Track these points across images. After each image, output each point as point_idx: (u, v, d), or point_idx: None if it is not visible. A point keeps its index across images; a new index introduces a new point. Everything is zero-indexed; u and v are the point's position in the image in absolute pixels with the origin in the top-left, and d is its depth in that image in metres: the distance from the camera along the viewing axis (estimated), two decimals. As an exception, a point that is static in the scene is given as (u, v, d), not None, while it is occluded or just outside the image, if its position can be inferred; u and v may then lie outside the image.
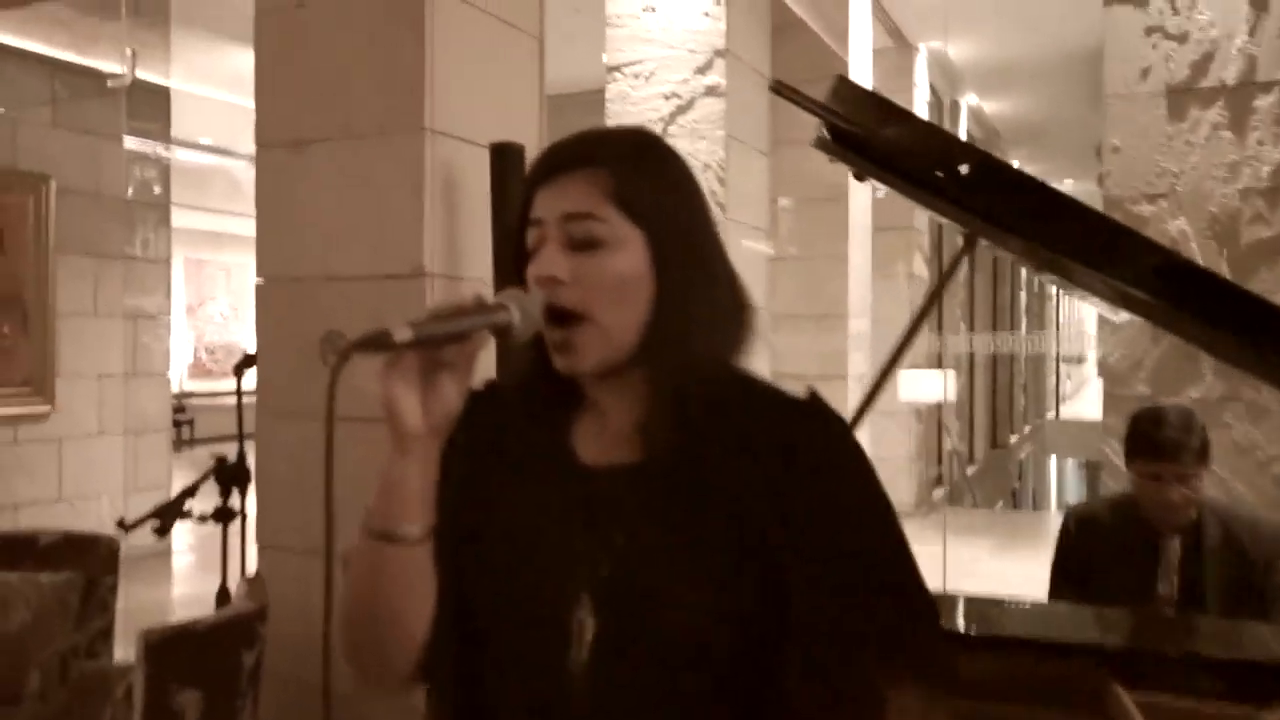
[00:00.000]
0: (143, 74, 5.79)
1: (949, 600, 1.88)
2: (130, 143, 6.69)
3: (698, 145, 4.47)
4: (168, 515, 2.55)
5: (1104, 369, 3.85)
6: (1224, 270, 3.52)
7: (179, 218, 7.68)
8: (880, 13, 6.75)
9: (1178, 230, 3.64)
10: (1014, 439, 13.06)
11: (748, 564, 0.89)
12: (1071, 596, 2.20)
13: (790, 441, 0.93)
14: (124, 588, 2.89)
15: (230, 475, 2.73)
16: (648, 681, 0.90)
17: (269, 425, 2.75)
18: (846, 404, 4.45)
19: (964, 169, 1.25)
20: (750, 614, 0.89)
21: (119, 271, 6.55)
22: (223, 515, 2.75)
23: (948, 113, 9.42)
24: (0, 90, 5.93)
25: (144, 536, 2.86)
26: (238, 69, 7.25)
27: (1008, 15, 6.32)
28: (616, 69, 4.63)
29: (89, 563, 2.77)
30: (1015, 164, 10.50)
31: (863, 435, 1.25)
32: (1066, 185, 11.54)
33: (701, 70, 4.44)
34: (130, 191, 6.76)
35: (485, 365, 1.02)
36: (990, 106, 10.19)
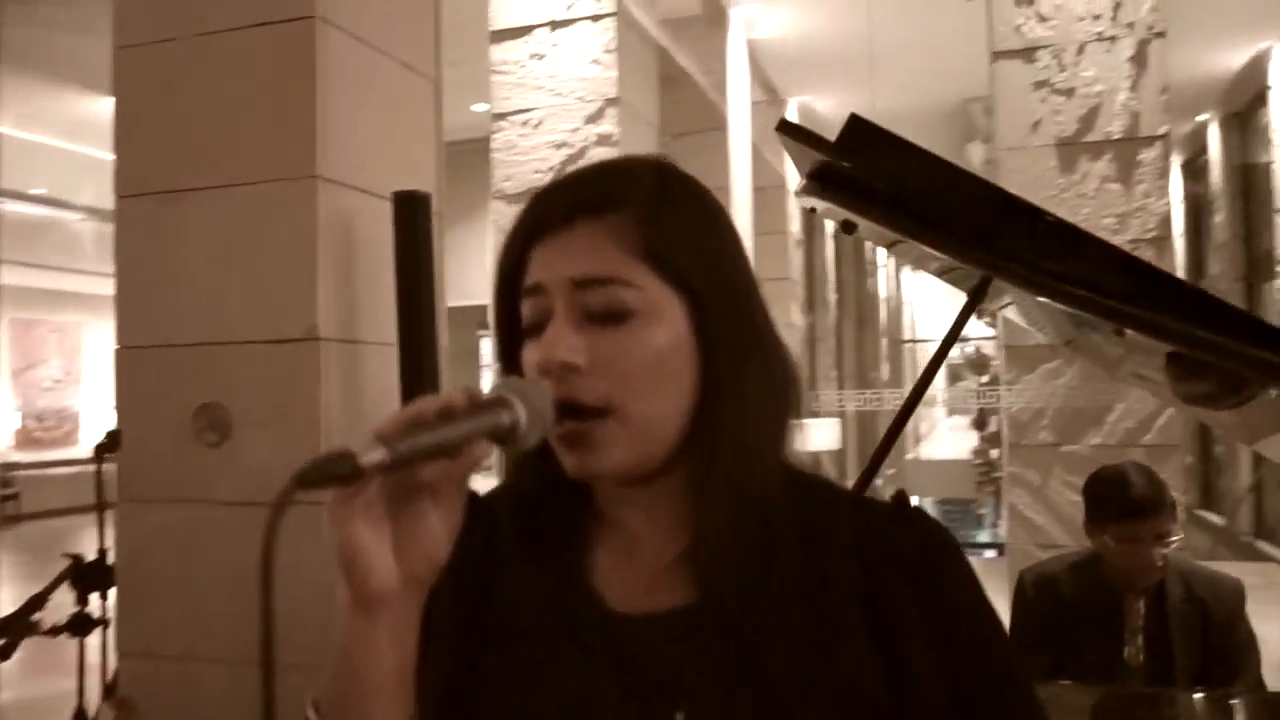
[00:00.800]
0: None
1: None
2: (-49, 193, 6.07)
3: (590, 196, 4.31)
4: (11, 632, 2.13)
5: (1009, 419, 3.86)
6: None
7: (7, 275, 7.01)
8: (755, 67, 6.81)
9: (1071, 279, 3.69)
10: (879, 481, 13.34)
11: None
12: (1035, 662, 2.09)
13: (902, 560, 0.73)
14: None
15: (89, 575, 2.35)
16: None
17: (133, 513, 2.40)
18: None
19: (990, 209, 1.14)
20: None
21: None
22: (80, 624, 2.35)
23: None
24: None
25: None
26: (78, 114, 6.73)
27: (878, 70, 6.48)
28: (503, 117, 4.45)
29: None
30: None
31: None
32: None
33: (593, 119, 4.30)
34: (-50, 246, 6.13)
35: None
36: (854, 160, 10.46)
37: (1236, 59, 7.53)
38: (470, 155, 5.91)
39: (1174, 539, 1.97)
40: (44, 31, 5.61)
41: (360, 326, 2.39)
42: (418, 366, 2.27)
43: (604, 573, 0.76)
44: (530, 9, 4.47)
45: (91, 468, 2.42)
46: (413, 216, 2.30)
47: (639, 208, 0.72)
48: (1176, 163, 9.58)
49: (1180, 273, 8.46)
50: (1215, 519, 8.84)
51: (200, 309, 2.36)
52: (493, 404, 0.65)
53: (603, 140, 4.29)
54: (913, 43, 6.23)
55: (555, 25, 4.44)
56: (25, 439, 13.35)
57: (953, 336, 1.48)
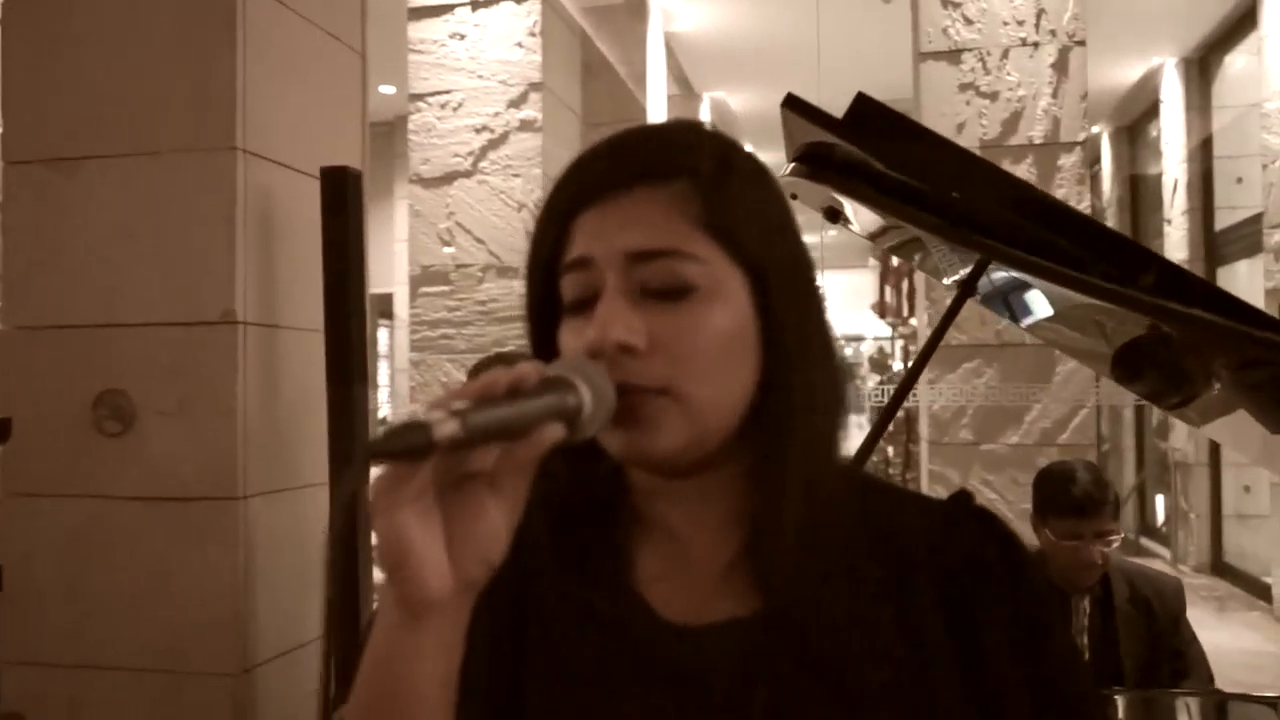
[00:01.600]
0: None
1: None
2: None
3: (511, 183, 4.18)
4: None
5: (930, 417, 3.89)
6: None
7: None
8: (672, 60, 6.76)
9: (991, 281, 3.74)
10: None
11: None
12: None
13: (982, 567, 0.66)
14: None
15: (-30, 579, 2.13)
16: None
17: (22, 510, 2.19)
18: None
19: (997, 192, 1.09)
20: None
21: None
22: (-41, 632, 2.14)
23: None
24: None
25: None
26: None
27: (795, 69, 6.51)
28: (420, 98, 4.28)
29: None
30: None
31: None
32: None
33: (515, 104, 4.17)
34: None
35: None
36: (767, 157, 10.55)
37: (1130, 74, 7.83)
38: (374, 139, 5.69)
39: (1115, 538, 1.98)
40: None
41: (282, 311, 2.23)
42: (345, 354, 2.13)
43: (651, 580, 0.68)
44: (451, -13, 4.32)
45: (-28, 460, 2.20)
46: (342, 195, 2.15)
47: (702, 176, 0.64)
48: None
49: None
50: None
51: (100, 288, 2.16)
52: (560, 381, 0.57)
53: (526, 125, 4.17)
54: (830, 43, 6.27)
55: (476, 5, 4.29)
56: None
57: (943, 327, 1.43)
